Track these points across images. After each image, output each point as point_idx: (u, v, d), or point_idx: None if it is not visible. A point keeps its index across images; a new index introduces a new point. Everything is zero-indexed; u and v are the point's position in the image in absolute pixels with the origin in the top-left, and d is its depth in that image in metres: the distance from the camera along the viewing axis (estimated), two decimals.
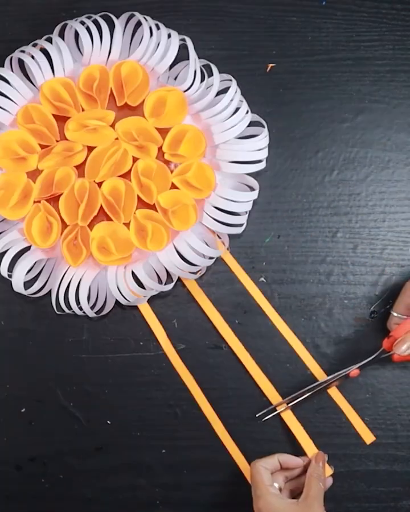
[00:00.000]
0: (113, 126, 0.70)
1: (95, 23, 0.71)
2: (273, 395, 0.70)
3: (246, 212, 0.70)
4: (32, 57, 0.71)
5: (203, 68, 0.71)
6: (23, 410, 0.71)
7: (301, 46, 0.74)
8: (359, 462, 0.69)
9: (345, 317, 0.71)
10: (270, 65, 0.74)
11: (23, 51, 0.71)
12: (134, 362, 0.71)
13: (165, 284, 0.69)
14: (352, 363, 0.69)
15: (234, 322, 0.71)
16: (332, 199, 0.72)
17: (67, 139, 0.70)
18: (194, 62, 0.70)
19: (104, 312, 0.70)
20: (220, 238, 0.71)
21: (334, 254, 0.72)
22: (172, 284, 0.69)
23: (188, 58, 0.70)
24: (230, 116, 0.69)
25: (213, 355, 0.71)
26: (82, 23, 0.71)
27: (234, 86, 0.70)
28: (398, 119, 0.73)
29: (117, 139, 0.70)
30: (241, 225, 0.70)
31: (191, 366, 0.71)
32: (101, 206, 0.69)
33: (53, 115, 0.70)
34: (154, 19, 0.71)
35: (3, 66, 0.72)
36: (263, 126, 0.71)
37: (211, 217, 0.69)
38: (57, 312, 0.70)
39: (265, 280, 0.71)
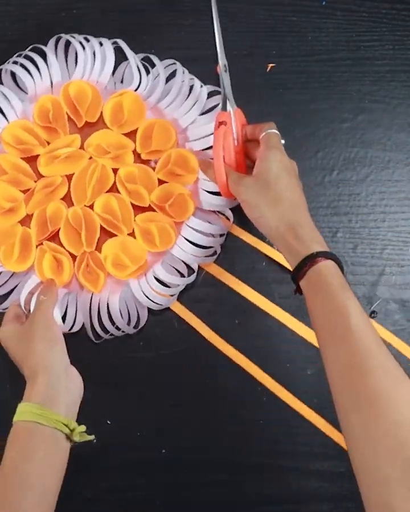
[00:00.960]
0: (82, 147, 0.70)
1: (28, 57, 0.71)
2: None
3: None
4: None
5: (144, 62, 0.71)
6: None
7: (301, 46, 0.74)
8: None
9: None
10: (270, 65, 0.74)
11: None
12: (134, 362, 0.71)
13: (188, 276, 0.70)
14: None
15: (234, 322, 0.71)
16: (332, 199, 0.72)
17: (44, 176, 0.70)
18: (133, 60, 0.70)
19: (141, 324, 0.70)
20: (223, 215, 0.71)
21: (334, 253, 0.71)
22: (194, 274, 0.70)
23: (126, 59, 0.70)
24: (187, 97, 0.70)
25: (213, 355, 0.71)
26: (15, 62, 0.71)
27: (180, 67, 0.70)
28: (398, 119, 0.73)
29: (90, 158, 0.70)
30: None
31: (191, 366, 0.71)
32: (101, 226, 0.69)
33: (22, 158, 0.70)
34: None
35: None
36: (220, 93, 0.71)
37: (207, 200, 0.69)
38: (96, 341, 0.70)
39: (265, 280, 0.71)
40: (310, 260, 0.56)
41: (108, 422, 0.70)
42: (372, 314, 0.71)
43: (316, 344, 0.70)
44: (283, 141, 0.64)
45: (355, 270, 0.71)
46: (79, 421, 0.70)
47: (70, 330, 0.70)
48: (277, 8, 0.75)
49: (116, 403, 0.71)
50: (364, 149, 0.73)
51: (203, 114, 0.71)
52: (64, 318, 0.70)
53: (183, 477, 0.70)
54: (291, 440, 0.69)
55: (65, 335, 0.66)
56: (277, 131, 0.64)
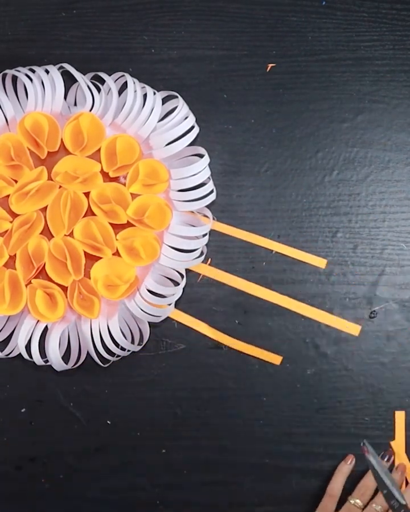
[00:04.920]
0: (50, 177, 0.70)
1: None
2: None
3: (208, 177, 0.70)
4: None
5: (94, 81, 0.71)
6: (23, 410, 0.71)
7: (301, 46, 0.74)
8: (359, 462, 0.69)
9: (345, 316, 0.71)
10: (270, 65, 0.74)
11: None
12: (134, 362, 0.71)
13: (180, 282, 0.70)
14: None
15: (234, 322, 0.71)
16: (332, 199, 0.72)
17: (18, 214, 0.70)
18: (83, 81, 0.70)
19: (145, 340, 0.70)
20: (201, 214, 0.71)
21: (334, 253, 0.72)
22: (184, 280, 0.70)
23: (76, 81, 0.71)
24: (142, 106, 0.69)
25: (213, 355, 0.71)
26: None
27: (129, 79, 0.70)
28: (398, 119, 0.73)
29: (60, 187, 0.70)
30: (211, 192, 0.70)
31: (191, 366, 0.71)
32: (85, 251, 0.69)
33: None
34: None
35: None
36: (177, 97, 0.71)
37: (182, 201, 0.69)
38: (104, 365, 0.70)
39: (264, 280, 0.71)
40: None
41: (108, 422, 0.71)
42: (372, 314, 0.71)
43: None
44: None
45: (355, 270, 0.71)
46: (79, 420, 0.70)
47: (75, 364, 0.70)
48: (276, 8, 0.75)
49: (116, 403, 0.71)
50: (364, 149, 0.73)
51: (161, 120, 0.71)
52: (68, 353, 0.70)
53: (183, 477, 0.70)
54: (291, 440, 0.69)
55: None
56: None
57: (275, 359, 0.70)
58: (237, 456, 0.69)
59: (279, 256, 0.72)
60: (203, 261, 0.72)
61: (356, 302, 0.71)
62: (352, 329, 0.70)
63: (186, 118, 0.71)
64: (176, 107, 0.71)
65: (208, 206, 0.71)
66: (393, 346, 0.70)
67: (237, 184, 0.73)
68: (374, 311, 0.71)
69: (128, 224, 0.69)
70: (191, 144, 0.71)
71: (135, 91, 0.70)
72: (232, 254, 0.72)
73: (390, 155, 0.73)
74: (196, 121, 0.72)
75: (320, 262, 0.71)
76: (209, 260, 0.72)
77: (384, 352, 0.70)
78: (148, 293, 0.69)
